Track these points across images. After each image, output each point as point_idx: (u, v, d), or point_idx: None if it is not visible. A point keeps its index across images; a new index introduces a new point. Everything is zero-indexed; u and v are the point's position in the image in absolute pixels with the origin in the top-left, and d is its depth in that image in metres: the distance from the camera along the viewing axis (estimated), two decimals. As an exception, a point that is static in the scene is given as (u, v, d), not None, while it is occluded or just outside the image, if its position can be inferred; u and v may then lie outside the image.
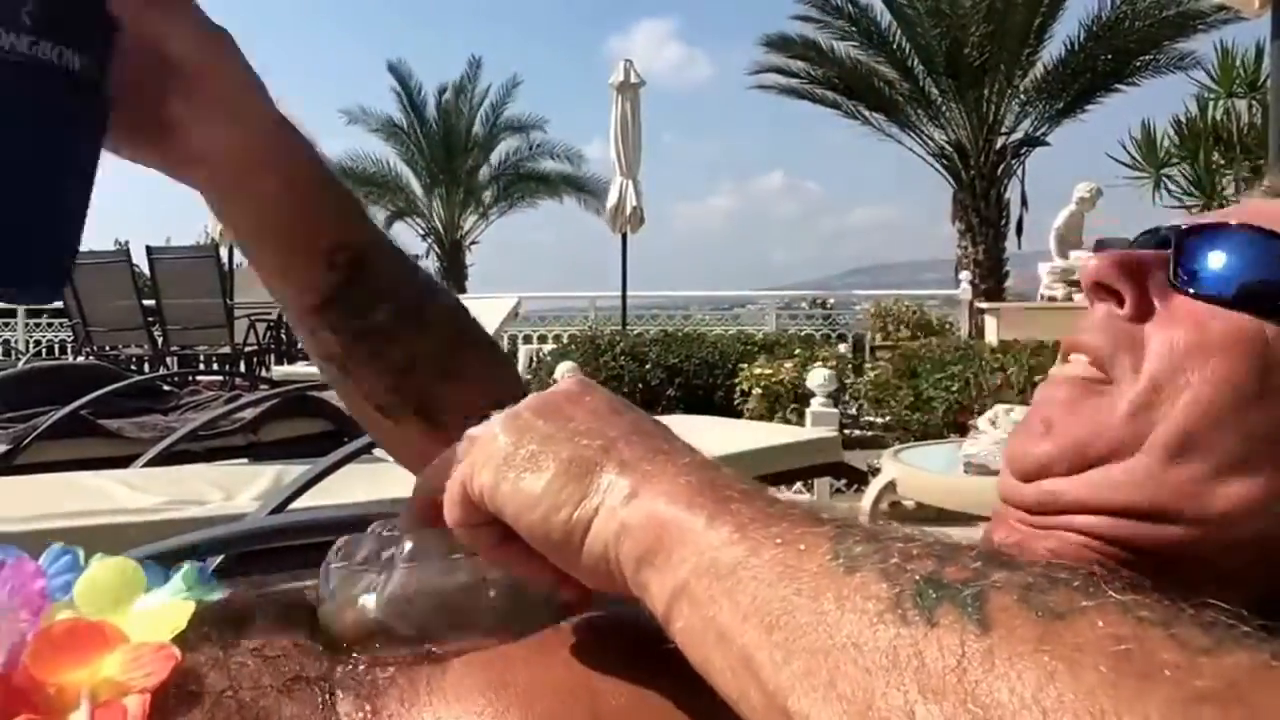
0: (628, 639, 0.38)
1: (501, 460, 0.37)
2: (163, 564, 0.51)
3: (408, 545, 0.42)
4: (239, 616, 0.44)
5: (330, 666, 0.40)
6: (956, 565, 0.28)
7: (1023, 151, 12.26)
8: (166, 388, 3.51)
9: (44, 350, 11.46)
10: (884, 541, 0.30)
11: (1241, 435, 0.40)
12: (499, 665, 0.39)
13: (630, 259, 9.53)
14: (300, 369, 6.50)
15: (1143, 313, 0.43)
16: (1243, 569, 0.41)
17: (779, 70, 12.83)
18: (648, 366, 6.96)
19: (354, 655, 0.40)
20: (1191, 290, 0.42)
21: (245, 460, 2.72)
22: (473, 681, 0.39)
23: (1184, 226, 0.44)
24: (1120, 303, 0.44)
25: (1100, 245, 9.31)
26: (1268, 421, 0.40)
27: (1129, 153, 11.61)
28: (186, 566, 0.49)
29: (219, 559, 1.13)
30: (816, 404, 4.99)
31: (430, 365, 0.61)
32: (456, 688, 0.38)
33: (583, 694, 0.38)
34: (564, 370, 4.82)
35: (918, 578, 0.27)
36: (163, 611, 0.43)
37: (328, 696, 0.39)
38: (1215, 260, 0.42)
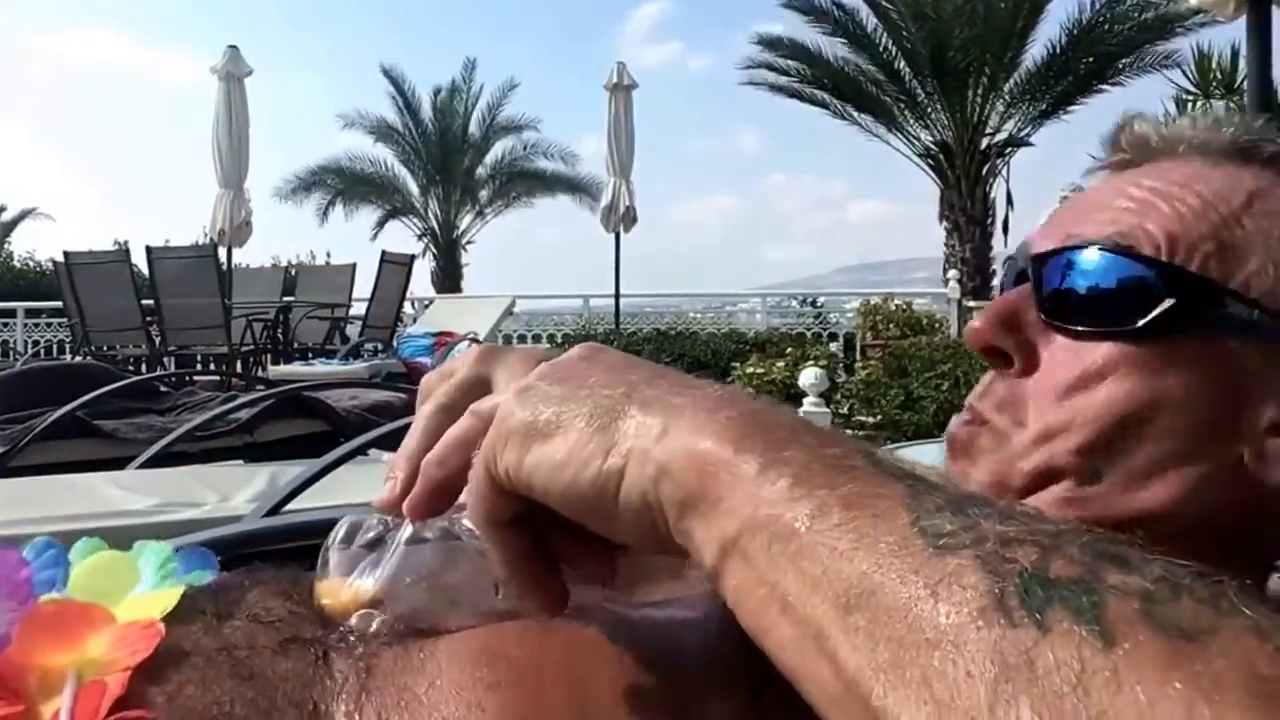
0: (625, 631, 0.38)
1: (522, 433, 0.35)
2: None
3: (407, 528, 0.41)
4: (234, 595, 0.44)
5: (326, 632, 0.40)
6: (1064, 558, 0.25)
7: (1007, 151, 12.35)
8: (163, 388, 3.49)
9: (42, 350, 11.42)
10: (970, 515, 0.27)
11: (1143, 446, 0.42)
12: (494, 638, 0.39)
13: (628, 257, 9.58)
14: (296, 369, 6.50)
15: (1028, 367, 0.45)
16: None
17: (769, 68, 12.89)
18: (642, 366, 6.99)
19: (350, 627, 0.41)
20: (1060, 324, 0.44)
21: (241, 461, 2.71)
22: (467, 649, 0.39)
23: (1032, 254, 0.46)
24: (1009, 363, 0.45)
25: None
26: (1162, 430, 0.42)
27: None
28: (153, 545, 0.50)
29: (214, 560, 1.15)
30: (808, 403, 5.03)
31: None
32: (450, 653, 0.38)
33: (576, 678, 0.37)
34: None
35: (1021, 570, 0.25)
36: (151, 597, 0.44)
37: (322, 655, 0.39)
38: (1069, 292, 0.44)
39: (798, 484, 0.29)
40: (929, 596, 0.25)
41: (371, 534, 0.42)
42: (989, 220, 12.31)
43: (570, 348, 0.40)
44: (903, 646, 0.25)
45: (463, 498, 0.41)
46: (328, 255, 17.92)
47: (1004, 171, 12.32)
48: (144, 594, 0.45)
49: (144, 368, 7.66)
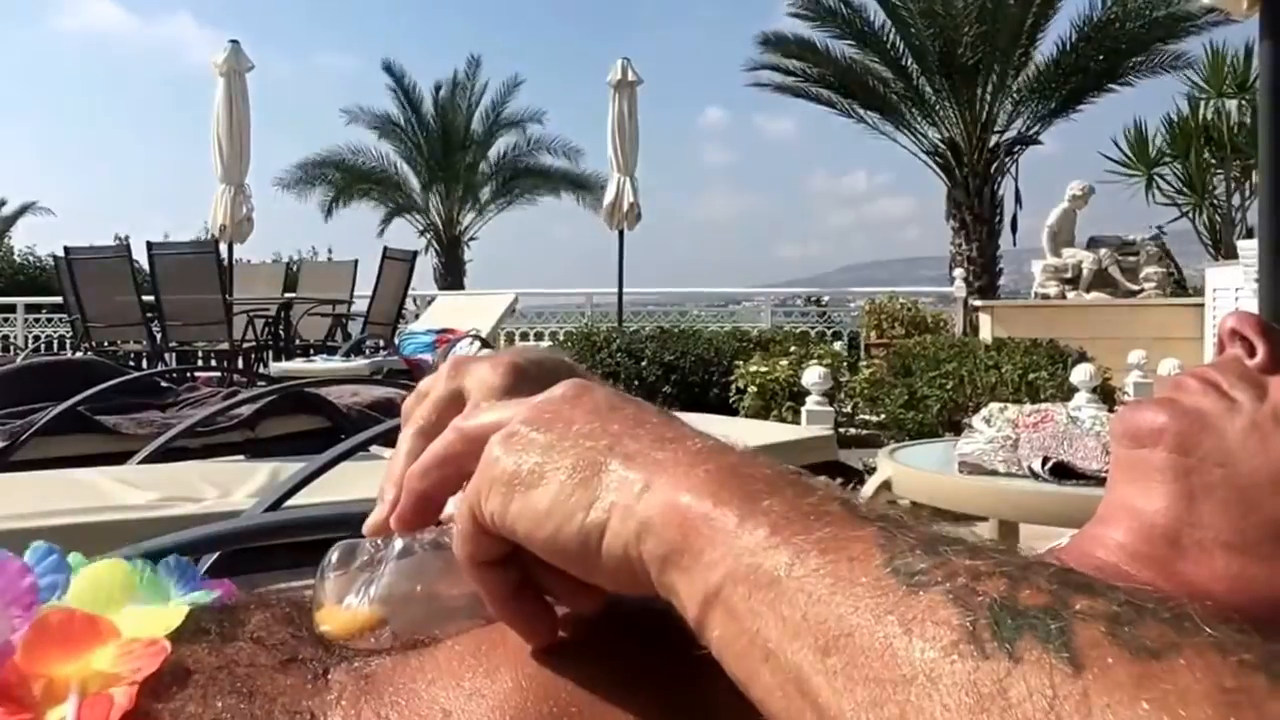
0: (619, 605, 0.38)
1: (506, 481, 0.35)
2: (157, 561, 0.52)
3: (398, 544, 0.42)
4: (237, 616, 0.44)
5: (327, 652, 0.41)
6: (1032, 587, 0.26)
7: (1016, 150, 12.26)
8: (164, 384, 3.48)
9: (43, 345, 11.45)
10: (943, 554, 0.27)
11: None
12: (488, 632, 0.40)
13: (638, 254, 9.55)
14: (298, 365, 6.48)
15: (1270, 367, 0.48)
16: None
17: (775, 68, 12.84)
18: (644, 363, 6.97)
19: (350, 649, 0.41)
20: None
21: (242, 457, 2.71)
22: (464, 644, 0.40)
23: None
24: (1251, 353, 0.49)
25: (1094, 242, 9.37)
26: None
27: (1121, 151, 11.66)
28: (174, 560, 0.50)
29: (214, 556, 1.13)
30: (812, 402, 4.98)
31: None
32: (448, 651, 0.39)
33: (577, 654, 0.38)
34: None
35: (991, 602, 0.25)
36: (157, 614, 0.44)
37: (321, 671, 0.40)
38: None
39: (775, 533, 0.30)
40: (904, 634, 0.26)
41: (364, 556, 0.43)
42: (996, 219, 12.26)
43: (571, 346, 0.40)
44: (880, 685, 0.25)
45: (450, 507, 0.42)
46: (329, 251, 17.95)
47: (1012, 170, 12.25)
48: (148, 608, 0.45)
49: (145, 363, 7.65)
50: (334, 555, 0.44)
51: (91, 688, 0.38)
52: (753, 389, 6.14)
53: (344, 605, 0.42)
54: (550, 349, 0.50)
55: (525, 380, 0.43)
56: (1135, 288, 9.11)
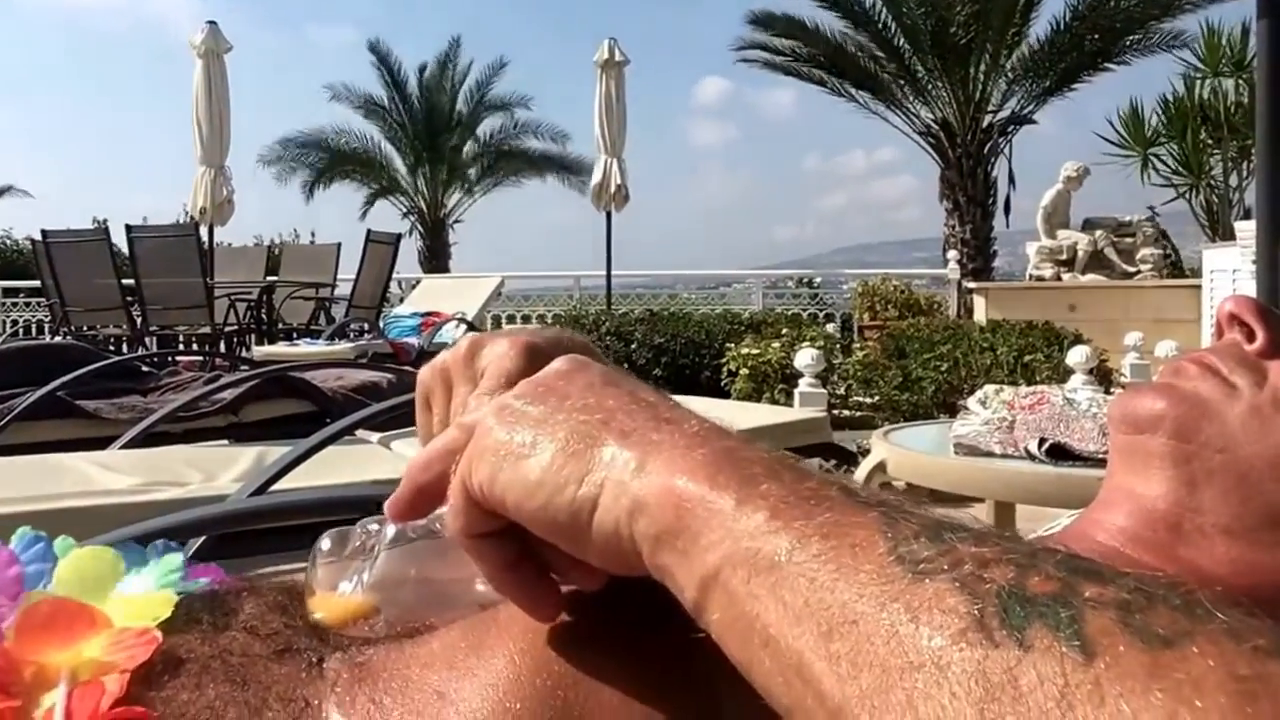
0: (620, 600, 0.38)
1: (496, 451, 0.35)
2: (141, 545, 0.51)
3: (390, 530, 0.42)
4: (229, 604, 0.44)
5: (321, 641, 0.41)
6: (1040, 575, 0.25)
7: (1010, 130, 12.25)
8: (145, 368, 3.45)
9: (21, 330, 11.31)
10: (947, 541, 0.27)
11: None
12: (481, 616, 0.40)
13: (627, 236, 9.50)
14: (281, 349, 6.42)
15: (1269, 351, 0.48)
16: None
17: (764, 47, 12.76)
18: (634, 346, 6.94)
19: (344, 637, 0.42)
20: None
21: (226, 441, 2.68)
22: (455, 631, 0.40)
23: None
24: (1250, 338, 0.49)
25: (1089, 224, 9.37)
26: None
27: (1117, 131, 11.65)
28: (166, 556, 0.49)
29: (199, 541, 1.11)
30: (804, 384, 4.95)
31: None
32: (440, 638, 0.40)
33: (567, 637, 0.38)
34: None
35: (999, 590, 0.25)
36: (145, 602, 0.44)
37: (316, 660, 0.40)
38: None
39: (775, 517, 0.29)
40: (910, 621, 0.25)
41: (356, 543, 0.43)
42: (990, 200, 12.24)
43: (559, 328, 0.35)
44: (886, 672, 0.25)
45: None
46: (311, 235, 17.77)
47: (1006, 150, 12.23)
48: (135, 595, 0.45)
49: (125, 348, 7.56)
50: (325, 543, 0.43)
51: (83, 676, 0.38)
52: (744, 371, 6.11)
53: (338, 592, 0.42)
54: (561, 329, 0.50)
55: (539, 359, 0.42)
56: (1131, 269, 9.11)
